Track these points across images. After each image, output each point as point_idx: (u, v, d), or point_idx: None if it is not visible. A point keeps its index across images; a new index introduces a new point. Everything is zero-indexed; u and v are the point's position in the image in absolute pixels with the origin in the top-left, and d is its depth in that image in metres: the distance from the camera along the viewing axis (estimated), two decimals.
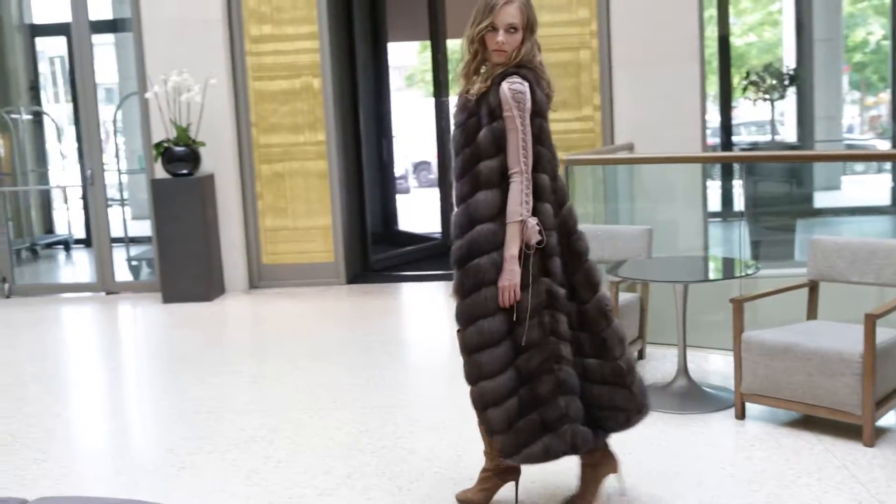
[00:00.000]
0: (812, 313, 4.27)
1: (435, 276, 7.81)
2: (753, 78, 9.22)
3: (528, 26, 2.95)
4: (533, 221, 2.87)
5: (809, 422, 3.87)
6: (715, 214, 7.58)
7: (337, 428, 4.14)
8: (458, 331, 2.98)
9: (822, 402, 3.69)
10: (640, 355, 5.00)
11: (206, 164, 7.38)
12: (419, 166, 20.84)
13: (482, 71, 2.97)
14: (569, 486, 3.32)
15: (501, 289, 2.87)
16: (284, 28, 7.51)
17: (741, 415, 3.99)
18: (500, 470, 3.23)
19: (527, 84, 2.90)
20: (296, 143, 7.61)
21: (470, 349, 2.93)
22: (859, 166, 13.92)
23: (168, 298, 7.24)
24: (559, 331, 2.94)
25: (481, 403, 2.95)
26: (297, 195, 7.66)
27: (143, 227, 8.81)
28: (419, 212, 12.92)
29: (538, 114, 2.94)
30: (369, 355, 5.43)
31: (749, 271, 4.32)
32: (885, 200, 10.98)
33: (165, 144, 7.18)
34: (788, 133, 12.01)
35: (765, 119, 14.17)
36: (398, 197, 10.40)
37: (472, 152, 2.91)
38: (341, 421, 4.24)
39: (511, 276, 2.86)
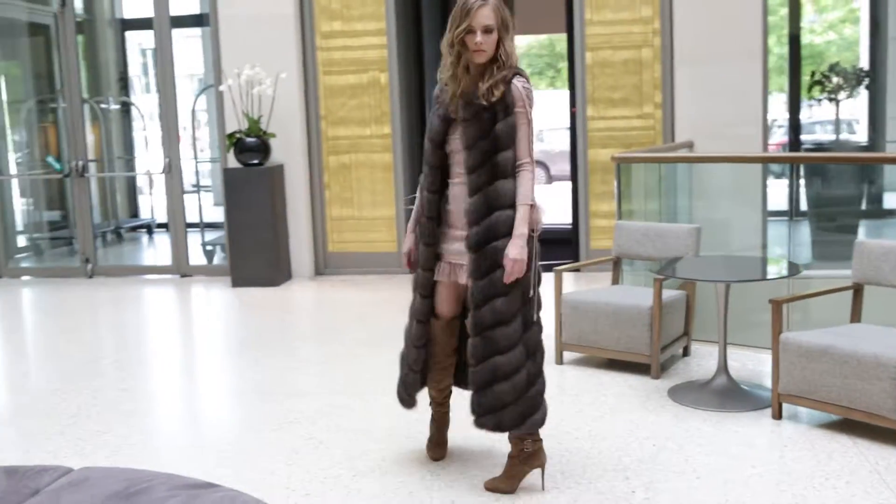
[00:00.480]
0: (856, 316, 4.25)
1: None
2: (818, 77, 9.04)
3: (504, 26, 3.14)
4: (541, 206, 3.21)
5: (846, 425, 3.88)
6: (776, 213, 7.49)
7: (381, 414, 4.30)
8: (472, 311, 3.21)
9: (858, 405, 3.69)
10: (686, 352, 5.04)
11: (276, 155, 7.62)
12: None
13: (470, 71, 3.17)
14: (590, 473, 3.41)
15: (512, 262, 3.10)
16: (353, 24, 7.70)
17: (778, 415, 4.01)
18: (525, 456, 3.35)
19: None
20: (362, 136, 7.81)
21: (484, 327, 3.19)
22: None
23: (237, 283, 7.52)
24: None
25: (492, 378, 3.22)
26: (363, 186, 7.86)
27: (222, 214, 9.12)
28: None
29: (532, 110, 3.21)
30: None
31: (784, 272, 4.31)
32: None
33: (237, 135, 7.45)
34: (860, 133, 11.73)
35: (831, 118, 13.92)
36: None
37: (490, 144, 3.14)
38: (386, 406, 4.37)
39: (521, 252, 3.11)
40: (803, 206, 9.36)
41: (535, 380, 3.29)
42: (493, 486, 3.40)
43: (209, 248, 8.78)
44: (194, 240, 8.69)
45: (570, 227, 9.17)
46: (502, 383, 3.21)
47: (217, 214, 9.57)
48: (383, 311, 6.64)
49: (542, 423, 3.33)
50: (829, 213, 8.48)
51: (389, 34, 7.65)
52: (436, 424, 3.76)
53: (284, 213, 7.72)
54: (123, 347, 5.73)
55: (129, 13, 11.52)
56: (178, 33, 10.84)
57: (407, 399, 3.61)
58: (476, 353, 3.22)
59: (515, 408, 3.23)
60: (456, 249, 3.30)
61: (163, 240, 10.75)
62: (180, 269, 8.17)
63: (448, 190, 3.30)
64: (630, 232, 5.18)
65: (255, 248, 7.51)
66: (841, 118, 14.63)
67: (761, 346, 5.08)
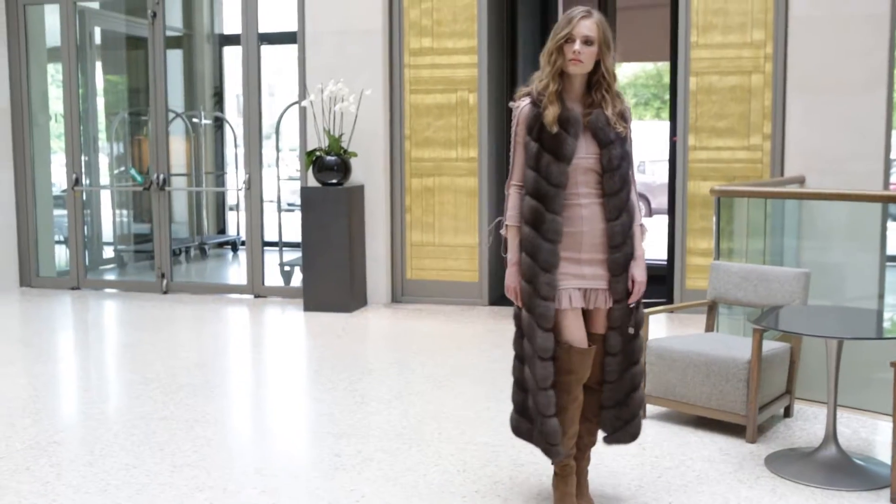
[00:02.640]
0: None
1: None
2: None
3: (605, 42, 3.07)
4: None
5: None
6: (893, 259, 6.80)
7: (434, 463, 3.86)
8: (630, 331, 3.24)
9: None
10: (787, 413, 4.46)
11: (357, 175, 7.31)
12: None
13: (574, 86, 3.12)
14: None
15: (641, 284, 3.22)
16: (444, 42, 7.36)
17: None
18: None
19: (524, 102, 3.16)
20: (447, 159, 7.43)
21: (624, 343, 3.28)
22: None
23: (309, 306, 7.22)
24: None
25: (630, 388, 3.29)
26: (446, 211, 7.48)
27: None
28: None
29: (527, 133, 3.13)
30: (489, 385, 5.12)
31: None
32: None
33: (318, 153, 7.17)
34: None
35: None
36: None
37: (627, 167, 3.15)
38: (440, 456, 3.95)
39: (645, 273, 3.23)
40: None
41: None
42: None
43: (287, 268, 8.52)
44: (274, 259, 8.45)
45: (664, 263, 8.61)
46: (636, 392, 3.27)
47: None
48: (457, 344, 6.21)
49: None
50: None
51: (481, 53, 7.27)
52: (566, 484, 3.32)
53: (362, 235, 7.39)
54: (177, 372, 5.44)
55: (228, 29, 11.49)
56: (277, 50, 10.77)
57: (557, 448, 3.18)
58: (618, 368, 3.23)
59: (639, 417, 3.31)
60: (592, 273, 3.16)
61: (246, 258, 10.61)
62: (255, 289, 7.92)
63: (573, 211, 3.10)
64: (728, 274, 4.63)
65: (330, 272, 7.19)
66: None
67: (877, 411, 4.48)
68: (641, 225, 3.19)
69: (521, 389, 3.32)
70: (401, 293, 7.59)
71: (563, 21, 3.08)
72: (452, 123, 7.40)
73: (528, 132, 3.11)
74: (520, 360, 3.30)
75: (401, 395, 4.93)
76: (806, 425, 4.35)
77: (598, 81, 3.09)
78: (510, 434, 4.05)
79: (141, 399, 4.85)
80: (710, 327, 4.75)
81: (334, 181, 7.17)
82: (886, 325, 4.27)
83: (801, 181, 6.48)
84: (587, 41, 3.02)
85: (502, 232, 3.23)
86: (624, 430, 3.29)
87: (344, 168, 7.16)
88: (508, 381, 5.23)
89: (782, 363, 4.33)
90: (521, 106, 3.15)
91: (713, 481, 3.65)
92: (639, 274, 3.16)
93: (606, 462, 3.75)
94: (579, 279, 3.14)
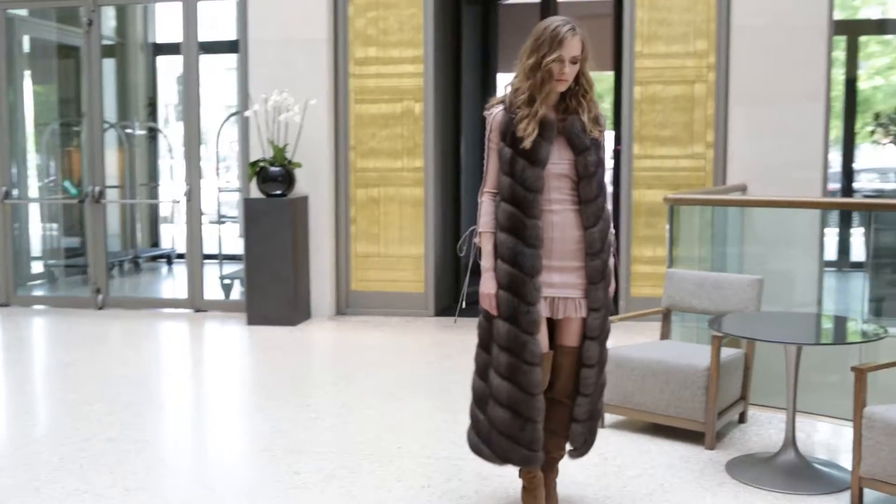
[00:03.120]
0: None
1: None
2: (884, 121, 8.50)
3: (585, 55, 3.07)
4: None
5: None
6: (829, 264, 6.95)
7: (397, 479, 3.78)
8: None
9: None
10: (742, 418, 4.49)
11: (301, 186, 7.20)
12: None
13: (549, 98, 3.07)
14: None
15: (614, 288, 3.31)
16: (389, 51, 7.29)
17: (858, 501, 3.45)
18: None
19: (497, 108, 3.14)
20: (393, 169, 7.36)
21: (598, 353, 3.26)
22: None
23: (252, 320, 7.07)
24: None
25: (598, 401, 3.32)
26: (391, 222, 7.40)
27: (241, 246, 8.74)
28: None
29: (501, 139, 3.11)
30: (444, 397, 5.06)
31: (877, 333, 3.75)
32: None
33: (261, 164, 7.04)
34: None
35: (888, 166, 13.40)
36: None
37: (602, 174, 3.14)
38: (402, 471, 3.88)
39: (482, 286, 3.19)
40: (856, 257, 8.81)
41: None
42: None
43: (227, 281, 8.35)
44: (213, 272, 8.27)
45: None
46: (601, 404, 3.32)
47: (240, 247, 9.20)
48: (406, 357, 6.15)
49: None
50: (891, 266, 7.87)
51: (427, 62, 7.22)
52: (534, 497, 3.28)
53: (307, 247, 7.27)
54: (120, 390, 5.25)
55: (161, 38, 11.24)
56: (213, 60, 10.56)
57: (534, 455, 3.13)
58: (593, 381, 3.20)
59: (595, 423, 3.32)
60: (563, 282, 3.11)
61: (182, 271, 10.36)
62: (195, 303, 7.73)
63: (546, 217, 3.07)
64: (683, 281, 4.66)
65: (273, 284, 7.05)
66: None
67: (821, 414, 4.55)
68: (612, 232, 3.21)
69: (475, 403, 3.27)
70: (345, 305, 7.49)
71: (550, 39, 3.00)
72: (398, 133, 7.34)
73: (501, 138, 3.07)
74: (476, 371, 3.26)
75: (354, 409, 4.83)
76: (761, 430, 4.39)
77: (577, 89, 3.07)
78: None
79: (86, 420, 4.67)
80: (664, 335, 4.77)
81: (278, 192, 7.04)
82: (827, 327, 4.32)
83: (743, 189, 6.58)
84: (574, 60, 3.01)
85: (476, 241, 3.18)
86: (589, 442, 3.27)
87: (288, 179, 7.04)
88: (463, 393, 5.20)
89: (737, 369, 4.37)
90: (495, 113, 3.11)
91: (677, 489, 3.65)
92: (612, 279, 3.22)
93: (570, 472, 3.71)
94: (547, 287, 3.09)
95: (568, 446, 3.28)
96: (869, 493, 3.47)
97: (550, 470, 3.30)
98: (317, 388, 5.30)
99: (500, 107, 3.11)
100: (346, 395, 5.10)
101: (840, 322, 4.44)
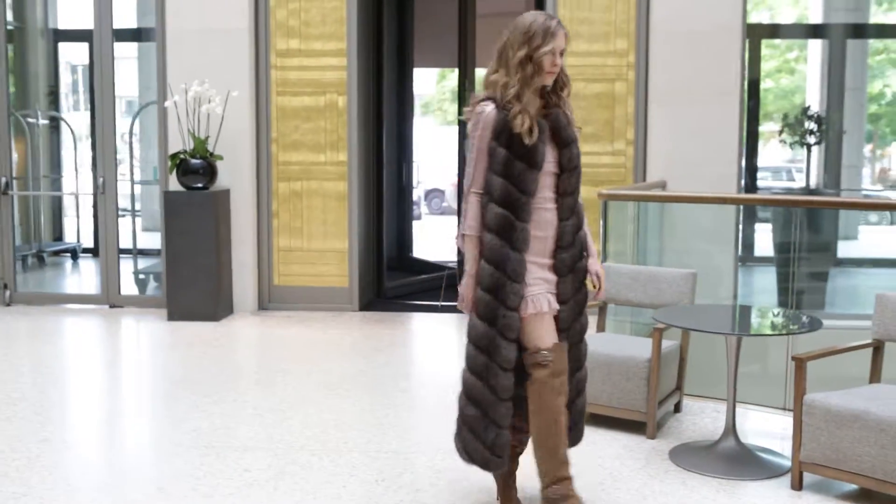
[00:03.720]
0: (875, 376, 3.90)
1: (450, 308, 7.50)
2: (791, 121, 8.88)
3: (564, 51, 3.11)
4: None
5: (874, 498, 3.49)
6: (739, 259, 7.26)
7: (349, 475, 3.77)
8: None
9: None
10: (678, 408, 4.63)
11: (223, 179, 7.07)
12: (430, 194, 20.70)
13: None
14: None
15: (601, 277, 3.34)
16: (312, 43, 7.22)
17: (798, 485, 3.61)
18: None
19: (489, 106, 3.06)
20: (316, 162, 7.30)
21: (571, 345, 3.24)
22: (873, 217, 13.82)
23: (173, 316, 6.90)
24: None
25: (576, 393, 3.30)
26: (314, 216, 7.34)
27: (153, 240, 8.53)
28: (429, 239, 12.59)
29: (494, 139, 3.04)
30: (383, 391, 5.07)
31: (812, 323, 3.93)
32: None
33: (182, 156, 6.87)
34: (812, 180, 11.74)
35: (781, 165, 14.07)
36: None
37: (579, 166, 3.19)
38: (353, 466, 3.87)
39: (463, 288, 3.17)
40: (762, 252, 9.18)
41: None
42: None
43: (142, 276, 8.13)
44: (125, 268, 8.02)
45: None
46: (582, 396, 3.29)
47: (147, 241, 8.95)
48: (339, 351, 6.11)
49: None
50: (794, 260, 8.24)
51: (350, 55, 7.18)
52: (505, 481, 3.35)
53: (229, 241, 7.14)
54: (46, 389, 5.06)
55: (63, 24, 10.83)
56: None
57: (499, 461, 3.15)
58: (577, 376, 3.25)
59: (582, 423, 3.32)
60: (549, 278, 3.13)
61: (88, 266, 10.03)
62: (110, 298, 7.50)
63: (541, 216, 3.07)
64: (619, 275, 4.78)
65: (194, 279, 6.90)
66: (788, 164, 14.68)
67: (753, 403, 4.74)
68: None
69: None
70: (268, 300, 7.39)
71: (543, 30, 3.00)
72: (321, 126, 7.28)
73: (494, 137, 3.01)
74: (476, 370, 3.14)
75: (294, 405, 4.79)
76: (696, 419, 4.55)
77: (556, 84, 3.08)
78: (418, 440, 4.05)
79: (13, 421, 4.49)
80: (601, 327, 4.88)
81: (199, 185, 6.90)
82: (756, 321, 4.48)
83: (662, 185, 6.77)
84: (562, 53, 3.04)
85: (458, 242, 3.13)
86: (570, 431, 3.23)
87: (210, 171, 6.90)
88: (399, 387, 5.23)
89: (674, 361, 4.51)
90: (487, 111, 3.02)
91: (627, 478, 3.75)
92: (599, 267, 3.27)
93: (522, 464, 3.76)
94: (549, 284, 3.11)
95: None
96: (808, 477, 3.64)
97: (513, 463, 3.34)
98: (252, 384, 5.23)
99: (491, 104, 3.03)
100: (284, 391, 5.04)
101: (772, 313, 4.62)
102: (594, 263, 3.23)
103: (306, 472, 3.80)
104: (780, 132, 8.87)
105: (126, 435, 4.47)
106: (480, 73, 9.64)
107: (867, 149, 15.66)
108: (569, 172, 3.09)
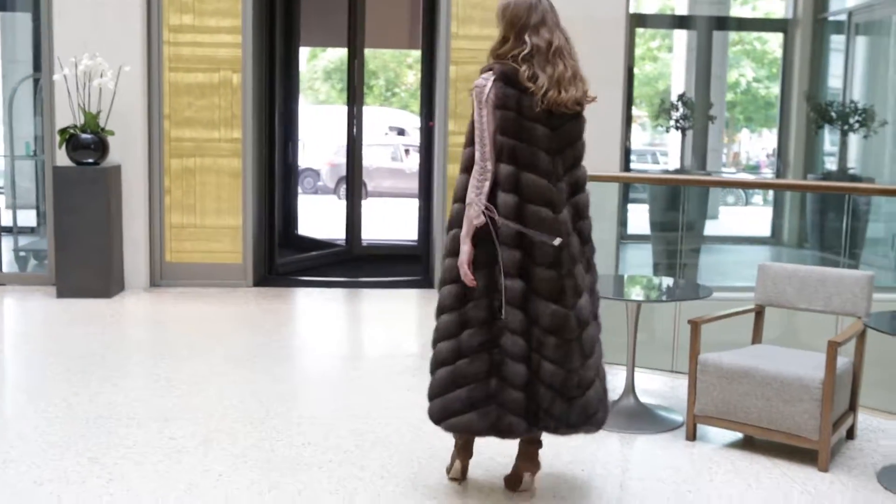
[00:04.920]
0: (757, 337, 4.30)
1: (339, 283, 7.65)
2: (667, 106, 9.40)
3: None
4: (476, 205, 3.04)
5: (758, 445, 3.89)
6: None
7: (275, 439, 3.90)
8: None
9: (780, 426, 3.70)
10: None
11: (114, 155, 6.96)
12: (303, 173, 20.66)
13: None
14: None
15: (458, 265, 3.10)
16: (206, 20, 7.18)
17: (692, 436, 3.98)
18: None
19: (491, 79, 3.09)
20: (210, 139, 7.28)
21: (437, 310, 3.21)
22: (730, 198, 14.82)
23: (63, 293, 6.78)
24: (507, 320, 3.05)
25: (433, 364, 3.20)
26: (208, 192, 7.32)
27: (27, 217, 8.29)
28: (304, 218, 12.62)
29: (501, 107, 3.08)
30: (291, 363, 5.20)
31: (707, 290, 4.30)
32: (765, 231, 11.41)
33: (72, 131, 6.74)
34: (674, 162, 12.49)
35: (646, 149, 14.87)
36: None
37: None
38: (278, 431, 4.00)
39: (461, 254, 3.08)
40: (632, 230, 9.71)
41: (461, 384, 3.14)
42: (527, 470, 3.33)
43: (22, 253, 7.91)
44: (5, 245, 7.78)
45: (415, 243, 9.04)
46: (439, 370, 3.22)
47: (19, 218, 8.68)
48: (234, 327, 6.17)
49: (464, 430, 3.23)
50: (678, 238, 8.77)
51: (245, 32, 7.18)
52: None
53: (120, 217, 7.05)
54: None
55: None
56: None
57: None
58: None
59: (436, 404, 3.22)
60: None
61: None
62: None
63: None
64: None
65: (85, 256, 6.79)
66: (652, 148, 15.43)
67: (644, 367, 5.10)
68: (469, 204, 3.07)
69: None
70: (160, 277, 7.34)
71: (549, 6, 3.23)
72: (215, 104, 7.26)
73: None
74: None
75: (207, 377, 4.85)
76: None
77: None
78: (335, 407, 4.22)
79: None
80: None
81: (90, 160, 6.78)
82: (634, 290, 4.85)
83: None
84: None
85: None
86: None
87: (102, 147, 6.79)
88: (310, 357, 5.36)
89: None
90: (478, 80, 3.15)
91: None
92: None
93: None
94: None
95: None
96: (700, 428, 4.01)
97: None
98: (159, 359, 5.23)
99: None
100: (193, 365, 5.09)
101: (662, 282, 4.99)
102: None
103: (232, 438, 3.90)
104: (657, 116, 9.36)
105: (43, 409, 4.41)
106: (370, 52, 9.82)
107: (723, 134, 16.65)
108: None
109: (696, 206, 9.18)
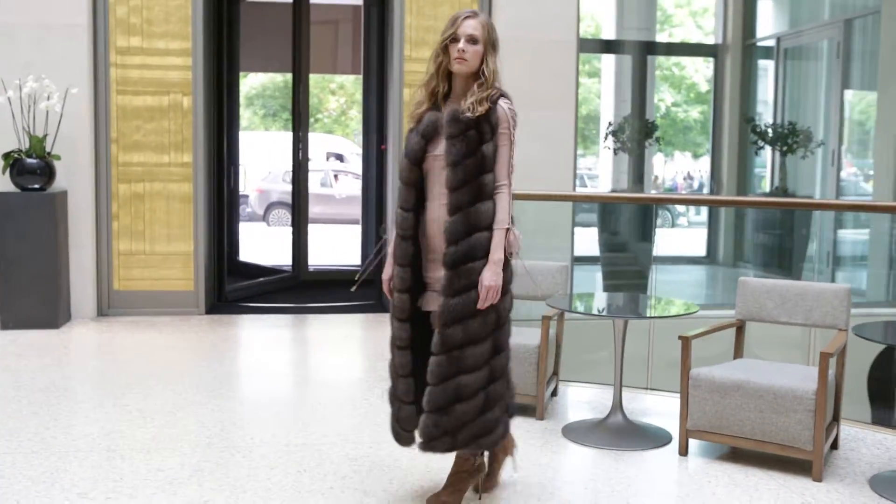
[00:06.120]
0: (739, 352, 4.39)
1: (287, 309, 7.54)
2: (614, 128, 9.58)
3: (490, 43, 3.17)
4: (516, 231, 3.17)
5: (747, 457, 3.95)
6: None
7: (269, 467, 3.80)
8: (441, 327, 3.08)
9: (773, 438, 3.77)
10: (554, 392, 4.96)
11: (60, 180, 6.75)
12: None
13: (453, 87, 3.19)
14: None
15: (487, 289, 3.05)
16: (155, 42, 7.04)
17: (684, 451, 4.02)
18: (472, 468, 3.37)
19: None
20: (160, 164, 7.12)
21: (452, 346, 3.08)
22: (658, 220, 15.11)
23: (7, 324, 6.51)
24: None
25: (454, 398, 3.09)
26: (157, 218, 7.15)
27: None
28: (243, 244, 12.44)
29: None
30: (265, 390, 5.10)
31: (689, 308, 4.37)
32: (700, 252, 11.69)
33: (16, 155, 6.51)
34: (604, 184, 12.74)
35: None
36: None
37: (476, 164, 3.07)
38: (269, 459, 3.90)
39: (497, 277, 3.08)
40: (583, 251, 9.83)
41: (494, 405, 3.18)
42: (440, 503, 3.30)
43: None
44: None
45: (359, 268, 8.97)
46: (463, 404, 3.11)
47: None
48: (200, 355, 6.00)
49: (494, 444, 3.27)
50: (615, 259, 8.92)
51: (196, 55, 7.06)
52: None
53: (66, 245, 6.82)
54: None
55: None
56: None
57: (404, 434, 3.28)
58: (440, 372, 3.09)
59: (470, 429, 3.14)
60: (437, 276, 3.16)
61: None
62: None
63: (426, 213, 3.18)
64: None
65: (30, 285, 6.54)
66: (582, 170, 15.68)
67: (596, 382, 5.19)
68: (509, 229, 3.11)
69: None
70: (107, 306, 7.11)
71: (449, 22, 3.17)
72: (165, 127, 7.11)
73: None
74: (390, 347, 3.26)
75: (181, 406, 4.71)
76: (571, 401, 4.90)
77: (478, 78, 3.13)
78: (323, 432, 4.15)
79: None
80: None
81: (36, 186, 6.56)
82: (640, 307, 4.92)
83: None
84: (471, 40, 3.09)
85: (514, 236, 3.15)
86: (442, 438, 3.13)
87: (48, 172, 6.58)
88: (281, 384, 5.26)
89: (550, 348, 4.83)
90: (508, 106, 3.12)
91: (533, 457, 4.01)
92: (487, 276, 3.05)
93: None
94: (436, 281, 3.17)
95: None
96: (691, 443, 4.06)
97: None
98: (126, 389, 5.04)
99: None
100: (163, 394, 4.93)
101: (649, 300, 5.05)
102: (486, 271, 3.05)
103: (223, 468, 3.79)
104: (605, 138, 9.52)
105: (19, 444, 4.19)
106: (315, 78, 9.76)
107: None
108: (451, 168, 3.05)
109: (638, 228, 9.37)
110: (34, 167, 6.53)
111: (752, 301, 4.32)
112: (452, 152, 3.07)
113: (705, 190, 17.07)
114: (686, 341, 4.00)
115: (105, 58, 6.97)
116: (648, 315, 4.61)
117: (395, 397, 3.29)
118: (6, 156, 6.52)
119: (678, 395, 4.74)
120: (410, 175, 3.17)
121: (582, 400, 4.98)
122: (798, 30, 10.67)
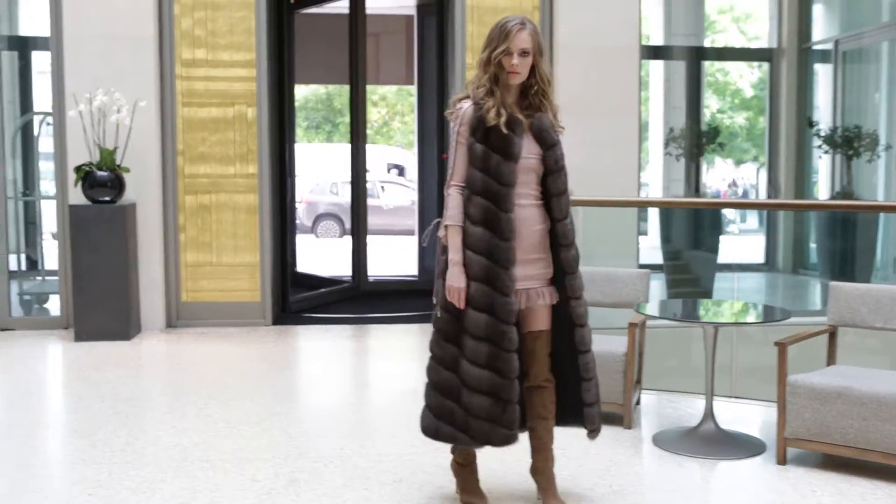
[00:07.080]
0: (832, 359, 4.30)
1: (349, 320, 7.53)
2: (676, 135, 9.50)
3: (539, 50, 3.23)
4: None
5: (848, 466, 3.87)
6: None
7: (363, 477, 3.78)
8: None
9: (877, 446, 3.69)
10: (638, 401, 4.89)
11: (129, 193, 6.81)
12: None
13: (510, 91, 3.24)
14: None
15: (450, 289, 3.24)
16: (219, 54, 7.09)
17: (783, 460, 3.94)
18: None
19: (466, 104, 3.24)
20: (225, 175, 7.16)
21: (588, 341, 3.41)
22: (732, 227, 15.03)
23: (81, 336, 6.57)
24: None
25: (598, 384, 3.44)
26: (224, 229, 7.19)
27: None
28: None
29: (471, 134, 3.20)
30: (344, 399, 5.09)
31: (785, 313, 4.30)
32: (758, 258, 11.52)
33: (87, 168, 6.58)
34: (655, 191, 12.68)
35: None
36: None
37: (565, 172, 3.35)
38: (363, 469, 3.88)
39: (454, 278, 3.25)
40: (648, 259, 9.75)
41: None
42: None
43: (27, 297, 7.67)
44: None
45: (416, 279, 9.01)
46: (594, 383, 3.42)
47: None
48: (274, 365, 6.02)
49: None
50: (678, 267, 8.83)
51: (259, 66, 7.11)
52: (471, 472, 3.51)
53: (136, 257, 6.88)
54: (8, 415, 4.74)
55: None
56: None
57: (512, 435, 3.26)
58: (593, 367, 3.38)
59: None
60: (526, 274, 3.23)
61: None
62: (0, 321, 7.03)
63: (516, 212, 3.18)
64: None
65: (103, 297, 6.60)
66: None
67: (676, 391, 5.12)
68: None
69: (441, 393, 3.31)
70: (176, 317, 7.16)
71: (498, 33, 3.16)
72: (230, 138, 7.15)
73: (471, 133, 3.18)
74: (440, 362, 3.29)
75: (265, 417, 4.71)
76: (658, 411, 4.83)
77: (535, 87, 3.23)
78: (411, 441, 4.12)
79: None
80: None
81: (107, 198, 6.62)
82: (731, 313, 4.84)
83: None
84: (523, 53, 3.15)
85: (440, 234, 3.25)
86: (599, 421, 3.43)
87: (118, 184, 6.64)
88: (359, 394, 5.25)
89: (635, 356, 4.77)
90: (465, 108, 3.20)
91: (626, 465, 3.96)
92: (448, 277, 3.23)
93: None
94: (525, 280, 3.25)
95: (586, 428, 3.44)
96: (789, 451, 3.98)
97: (545, 457, 3.45)
98: (207, 400, 5.04)
99: (468, 102, 3.22)
100: (243, 405, 4.94)
101: (740, 306, 4.97)
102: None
103: (317, 479, 3.77)
104: (667, 144, 9.45)
105: (112, 454, 4.21)
106: (372, 89, 9.81)
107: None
108: (556, 173, 3.27)
109: (701, 235, 9.27)
110: (105, 180, 6.60)
111: (844, 306, 4.23)
112: (557, 158, 3.27)
113: (753, 196, 16.85)
114: (783, 347, 3.93)
115: (171, 70, 7.04)
116: (741, 322, 4.53)
117: (499, 400, 3.20)
118: (78, 169, 6.60)
119: (762, 402, 4.73)
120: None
121: (665, 408, 4.90)
122: (857, 32, 10.51)
